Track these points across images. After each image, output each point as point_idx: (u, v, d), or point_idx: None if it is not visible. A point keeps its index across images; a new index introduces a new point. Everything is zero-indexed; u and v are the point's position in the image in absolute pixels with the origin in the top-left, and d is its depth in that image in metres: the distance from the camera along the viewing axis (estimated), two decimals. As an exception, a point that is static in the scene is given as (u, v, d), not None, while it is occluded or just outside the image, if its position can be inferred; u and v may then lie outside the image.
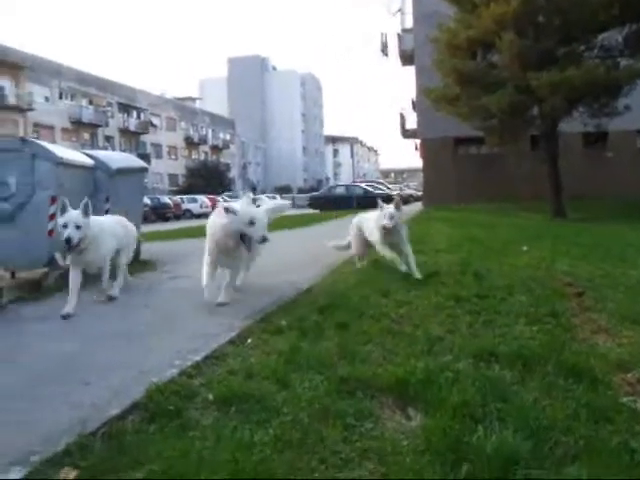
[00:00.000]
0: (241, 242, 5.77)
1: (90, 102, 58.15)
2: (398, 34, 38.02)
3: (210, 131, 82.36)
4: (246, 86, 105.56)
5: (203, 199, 44.44)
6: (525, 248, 9.86)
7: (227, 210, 5.72)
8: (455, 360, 3.88)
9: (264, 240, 5.65)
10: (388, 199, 28.32)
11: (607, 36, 20.35)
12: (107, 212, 9.54)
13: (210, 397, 3.40)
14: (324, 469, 2.60)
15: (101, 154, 10.64)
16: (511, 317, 5.04)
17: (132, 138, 64.93)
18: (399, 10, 38.24)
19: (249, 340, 4.57)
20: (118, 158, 11.43)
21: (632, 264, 8.21)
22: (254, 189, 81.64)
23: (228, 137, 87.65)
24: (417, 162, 42.44)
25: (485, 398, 3.19)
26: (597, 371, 3.63)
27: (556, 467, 2.53)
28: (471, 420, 2.94)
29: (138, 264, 10.02)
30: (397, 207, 7.13)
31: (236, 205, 5.84)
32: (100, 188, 9.54)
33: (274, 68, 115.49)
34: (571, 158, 24.97)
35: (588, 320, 5.09)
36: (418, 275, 6.93)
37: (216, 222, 5.98)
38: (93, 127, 58.07)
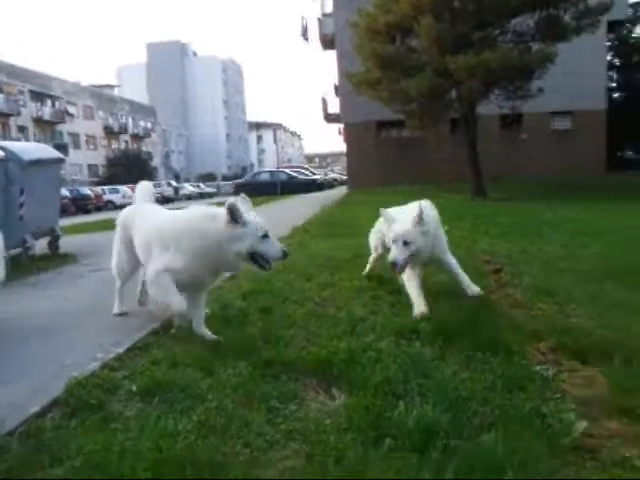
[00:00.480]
0: (250, 262, 4.06)
1: (0, 90, 55.55)
2: (318, 18, 38.00)
3: (130, 119, 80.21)
4: (166, 72, 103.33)
5: (125, 189, 43.32)
6: (446, 228, 10.08)
7: (235, 220, 3.92)
8: (378, 339, 3.96)
9: (285, 255, 4.07)
10: (317, 185, 28.47)
11: (520, 21, 20.94)
12: (22, 205, 9.21)
13: (133, 388, 3.36)
14: (249, 452, 2.62)
15: (12, 145, 10.23)
16: (432, 295, 5.16)
17: (47, 128, 62.43)
18: (319, -6, 38.19)
19: (172, 330, 4.52)
20: (31, 149, 11.03)
21: (547, 240, 8.56)
22: (177, 177, 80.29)
23: (149, 125, 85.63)
24: (341, 146, 42.79)
25: (407, 375, 3.28)
26: (512, 343, 3.77)
27: (473, 436, 2.64)
28: (393, 397, 3.01)
29: (58, 258, 9.75)
30: (418, 221, 4.57)
31: (247, 213, 4.03)
32: (13, 181, 9.17)
33: (194, 54, 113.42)
34: (489, 140, 25.70)
35: (505, 295, 5.28)
36: (475, 288, 4.91)
37: (209, 233, 4.01)
38: (4, 117, 55.45)
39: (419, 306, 4.56)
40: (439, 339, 3.90)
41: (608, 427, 2.75)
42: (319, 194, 32.64)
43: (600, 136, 32.39)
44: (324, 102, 41.28)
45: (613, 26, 34.44)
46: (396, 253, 4.50)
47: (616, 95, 44.25)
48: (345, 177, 42.48)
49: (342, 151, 43.47)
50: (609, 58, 40.27)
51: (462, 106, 21.06)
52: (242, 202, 4.16)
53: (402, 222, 4.61)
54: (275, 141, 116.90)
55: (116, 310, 5.27)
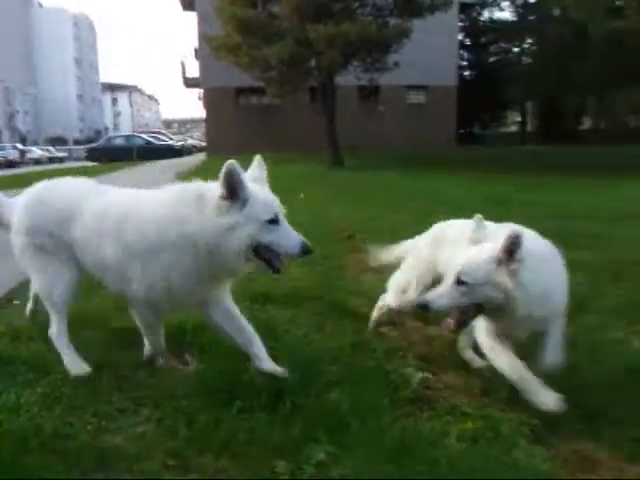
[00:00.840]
0: (256, 260, 2.76)
1: None
2: (178, -23, 36.75)
3: (-33, 74, 73.71)
4: (7, 23, 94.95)
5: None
6: (302, 195, 10.27)
7: (232, 193, 2.64)
8: (231, 305, 3.98)
9: (306, 252, 2.71)
10: (176, 152, 27.68)
11: (379, -5, 21.52)
12: None
13: (-27, 364, 3.17)
14: (97, 421, 2.59)
15: None
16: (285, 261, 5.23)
17: None
18: (179, -48, 36.85)
19: (16, 301, 4.29)
20: None
21: (399, 208, 8.97)
22: (24, 140, 75.11)
23: (-10, 82, 79.15)
24: (201, 112, 41.91)
25: (259, 338, 3.33)
26: (361, 307, 3.94)
27: (321, 393, 2.76)
28: (244, 360, 3.05)
29: None
30: (511, 251, 2.55)
31: (249, 183, 2.72)
32: None
33: (40, 5, 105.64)
34: (347, 110, 26.26)
35: (357, 260, 5.48)
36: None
37: (192, 221, 2.73)
38: None
39: (543, 395, 2.58)
40: (292, 303, 4.03)
41: (444, 380, 3.01)
42: (177, 160, 31.91)
43: (451, 111, 34.17)
44: (183, 66, 40.16)
45: (465, 8, 36.31)
46: (437, 293, 2.65)
47: (467, 73, 46.69)
48: (204, 144, 41.79)
49: (202, 117, 42.62)
50: (460, 38, 42.34)
51: (321, 75, 21.33)
52: (257, 167, 2.93)
53: (475, 250, 2.66)
54: (131, 104, 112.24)
55: (76, 370, 3.08)
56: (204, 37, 24.13)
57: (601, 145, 32.86)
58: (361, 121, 31.15)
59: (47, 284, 3.18)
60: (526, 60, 48.64)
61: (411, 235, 6.30)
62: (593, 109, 45.58)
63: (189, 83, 39.99)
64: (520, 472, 2.20)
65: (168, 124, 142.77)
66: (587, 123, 49.42)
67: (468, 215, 8.05)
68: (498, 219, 7.92)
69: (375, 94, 32.70)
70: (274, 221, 2.68)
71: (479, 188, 12.90)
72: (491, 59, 48.72)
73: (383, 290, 4.05)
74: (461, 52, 42.99)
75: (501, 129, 54.94)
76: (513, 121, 56.38)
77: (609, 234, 6.87)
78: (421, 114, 33.64)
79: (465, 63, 46.85)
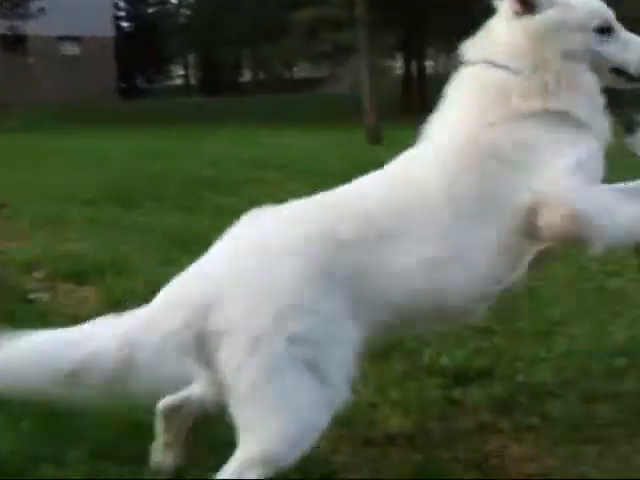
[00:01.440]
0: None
1: None
2: None
3: None
4: None
5: None
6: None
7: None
8: None
9: None
10: None
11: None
12: None
13: None
14: None
15: None
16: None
17: None
18: None
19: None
20: None
21: (54, 170, 8.56)
22: None
23: None
24: None
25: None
26: (7, 275, 3.77)
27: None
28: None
29: None
30: None
31: None
32: None
33: None
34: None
35: (7, 229, 5.23)
36: None
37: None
38: None
39: None
40: None
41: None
42: None
43: (109, 63, 33.14)
44: None
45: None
46: None
47: (125, 24, 45.29)
48: None
49: None
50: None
51: None
52: None
53: None
54: None
55: None
56: None
57: (260, 95, 35.10)
58: (8, 75, 28.30)
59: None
60: (185, 12, 49.01)
61: (67, 197, 6.17)
62: (250, 61, 47.92)
63: None
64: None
65: None
66: (247, 75, 51.98)
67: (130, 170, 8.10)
68: (160, 172, 8.13)
69: (22, 44, 29.94)
70: (606, 29, 1.70)
71: (144, 142, 13.00)
72: (150, 10, 47.99)
73: (30, 257, 3.96)
74: (118, 2, 41.58)
75: (167, 82, 54.90)
76: (177, 74, 56.72)
77: (267, 179, 7.63)
78: (76, 66, 31.85)
79: (123, 14, 45.37)
